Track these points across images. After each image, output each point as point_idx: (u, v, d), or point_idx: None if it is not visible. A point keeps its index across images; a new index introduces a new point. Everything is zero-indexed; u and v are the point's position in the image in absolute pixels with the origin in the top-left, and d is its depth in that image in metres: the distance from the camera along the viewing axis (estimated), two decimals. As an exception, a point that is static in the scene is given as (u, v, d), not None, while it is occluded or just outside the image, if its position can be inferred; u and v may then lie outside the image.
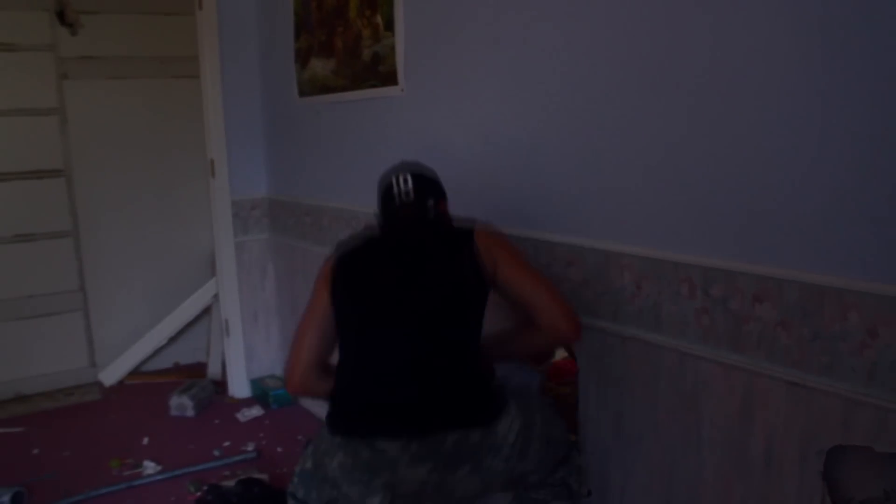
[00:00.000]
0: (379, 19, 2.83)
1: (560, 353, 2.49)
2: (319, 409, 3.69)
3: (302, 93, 3.53)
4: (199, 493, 3.01)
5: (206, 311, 4.58)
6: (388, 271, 1.98)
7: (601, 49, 2.00)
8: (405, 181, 2.07)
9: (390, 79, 2.86)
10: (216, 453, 3.45)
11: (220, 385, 4.28)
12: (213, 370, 4.45)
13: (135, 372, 4.57)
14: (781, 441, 1.68)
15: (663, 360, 1.95)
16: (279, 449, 3.49)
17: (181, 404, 3.94)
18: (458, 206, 2.13)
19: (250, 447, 3.50)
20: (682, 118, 1.81)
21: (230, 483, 3.01)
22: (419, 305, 1.92)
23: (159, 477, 3.23)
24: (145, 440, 3.63)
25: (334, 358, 2.03)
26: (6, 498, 2.92)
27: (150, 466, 3.33)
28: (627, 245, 2.00)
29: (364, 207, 2.88)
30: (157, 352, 4.64)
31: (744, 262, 1.71)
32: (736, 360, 1.75)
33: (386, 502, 1.82)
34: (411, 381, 1.89)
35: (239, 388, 4.18)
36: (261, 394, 4.08)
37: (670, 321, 1.91)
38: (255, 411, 3.94)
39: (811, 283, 1.58)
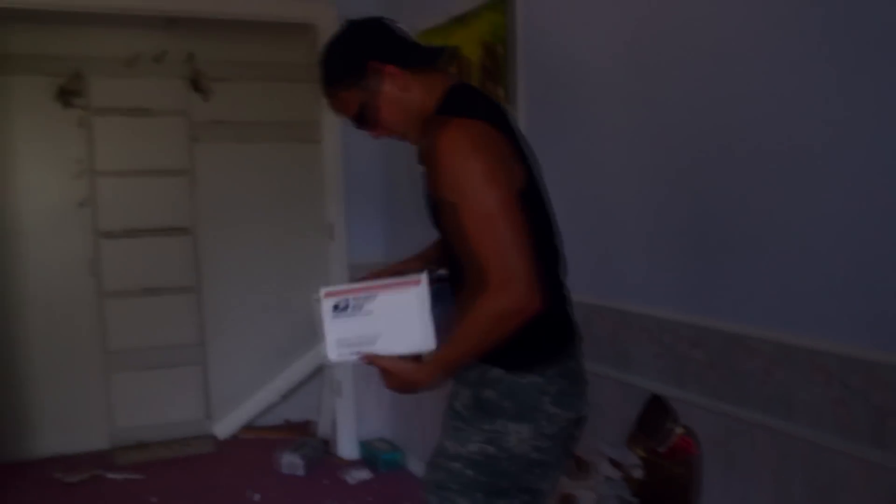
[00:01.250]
0: (501, 91, 2.87)
1: (678, 430, 2.40)
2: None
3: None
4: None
5: (319, 370, 4.66)
6: (521, 141, 1.72)
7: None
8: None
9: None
10: (325, 515, 3.47)
11: (329, 445, 4.32)
12: (323, 429, 4.49)
13: (247, 426, 4.68)
14: (931, 549, 1.56)
15: (795, 450, 1.85)
16: (387, 514, 3.49)
17: (292, 463, 3.99)
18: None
19: (358, 510, 3.51)
20: (827, 197, 1.74)
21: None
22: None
23: (270, 535, 3.28)
24: (257, 497, 3.68)
25: None
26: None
27: (261, 524, 3.38)
28: (756, 328, 1.93)
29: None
30: (270, 408, 4.74)
31: (887, 351, 1.62)
32: (879, 457, 1.64)
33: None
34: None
35: (348, 449, 4.20)
36: (370, 456, 4.08)
37: (803, 410, 1.82)
38: (364, 474, 3.94)
39: (965, 380, 1.48)
